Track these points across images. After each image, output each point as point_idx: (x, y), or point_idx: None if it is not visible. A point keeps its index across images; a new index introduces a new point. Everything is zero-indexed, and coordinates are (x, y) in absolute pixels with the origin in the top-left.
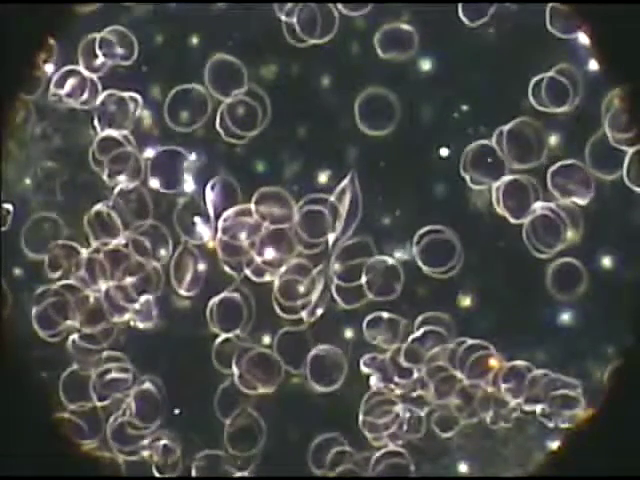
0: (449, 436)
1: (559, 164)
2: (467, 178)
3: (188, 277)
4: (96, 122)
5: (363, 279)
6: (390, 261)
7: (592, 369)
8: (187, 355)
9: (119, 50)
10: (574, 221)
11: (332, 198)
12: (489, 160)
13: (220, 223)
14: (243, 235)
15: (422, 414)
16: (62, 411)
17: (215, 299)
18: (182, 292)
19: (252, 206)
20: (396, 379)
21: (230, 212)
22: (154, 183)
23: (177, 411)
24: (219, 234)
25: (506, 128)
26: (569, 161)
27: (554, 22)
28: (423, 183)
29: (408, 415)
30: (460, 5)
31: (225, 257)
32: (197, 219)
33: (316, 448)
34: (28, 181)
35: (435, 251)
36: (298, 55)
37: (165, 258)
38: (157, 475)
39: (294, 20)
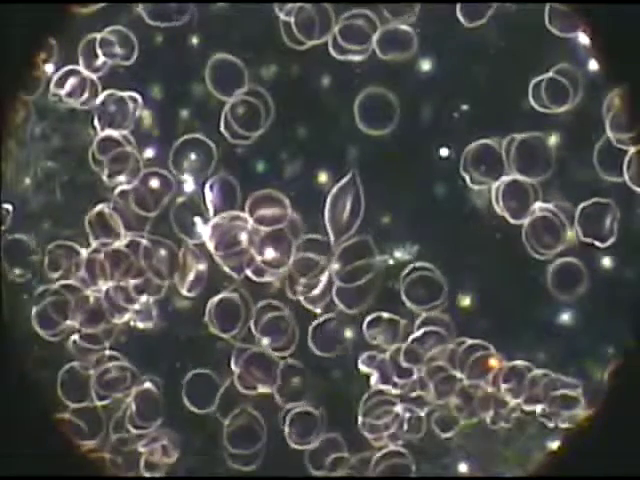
0: (449, 436)
1: (594, 200)
2: (467, 178)
3: (191, 277)
4: (96, 122)
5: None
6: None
7: (592, 369)
8: (187, 355)
9: (119, 50)
10: (573, 221)
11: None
12: (483, 168)
13: (212, 227)
14: (239, 238)
15: (422, 414)
16: (62, 411)
17: (214, 299)
18: (184, 292)
19: (246, 212)
20: (396, 379)
21: (223, 217)
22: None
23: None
24: (212, 244)
25: (519, 137)
26: (605, 200)
27: (554, 22)
28: (423, 183)
29: (408, 415)
30: (459, 5)
31: (222, 262)
32: (197, 219)
33: (316, 448)
34: (28, 181)
35: (421, 288)
36: (298, 55)
37: (166, 258)
38: (156, 475)
39: (292, 20)
